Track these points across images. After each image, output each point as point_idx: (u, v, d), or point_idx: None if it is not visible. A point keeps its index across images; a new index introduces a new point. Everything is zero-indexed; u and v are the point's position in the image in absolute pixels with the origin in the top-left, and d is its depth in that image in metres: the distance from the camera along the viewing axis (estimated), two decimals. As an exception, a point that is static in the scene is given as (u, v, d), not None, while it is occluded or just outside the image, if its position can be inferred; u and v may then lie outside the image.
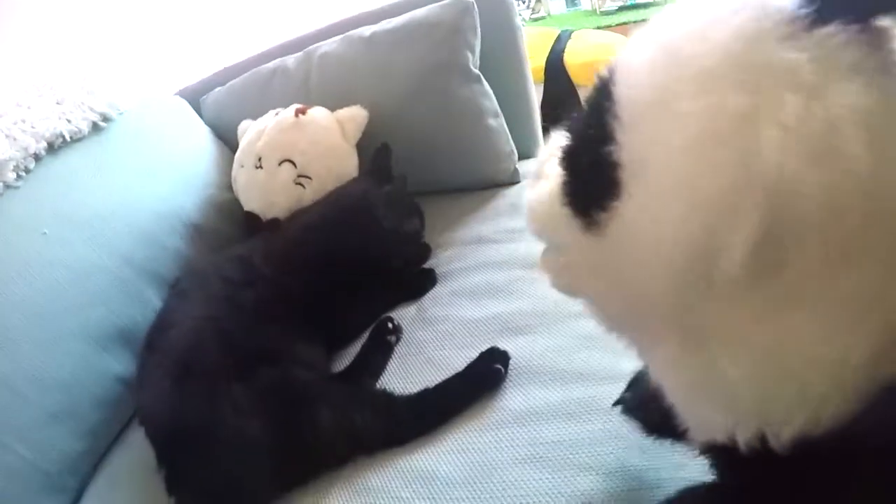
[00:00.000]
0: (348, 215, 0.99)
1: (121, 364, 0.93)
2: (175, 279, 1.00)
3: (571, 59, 2.04)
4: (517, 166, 1.20)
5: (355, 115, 1.13)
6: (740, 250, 0.25)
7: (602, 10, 2.53)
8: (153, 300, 1.01)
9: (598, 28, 2.34)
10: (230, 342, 0.78)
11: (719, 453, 0.36)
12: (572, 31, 2.14)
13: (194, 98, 1.44)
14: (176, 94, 1.44)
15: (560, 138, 0.37)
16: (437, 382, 0.75)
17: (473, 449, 0.66)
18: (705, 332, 0.30)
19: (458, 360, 0.78)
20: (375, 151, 1.09)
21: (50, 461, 0.82)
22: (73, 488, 0.85)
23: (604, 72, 0.33)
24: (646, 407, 0.54)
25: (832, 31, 0.25)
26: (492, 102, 1.16)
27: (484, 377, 0.73)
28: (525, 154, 1.22)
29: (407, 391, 0.76)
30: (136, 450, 0.81)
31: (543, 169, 0.40)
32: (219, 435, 0.69)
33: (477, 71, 1.14)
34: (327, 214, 1.01)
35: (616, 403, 0.60)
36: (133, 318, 0.97)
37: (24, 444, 0.80)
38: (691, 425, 0.35)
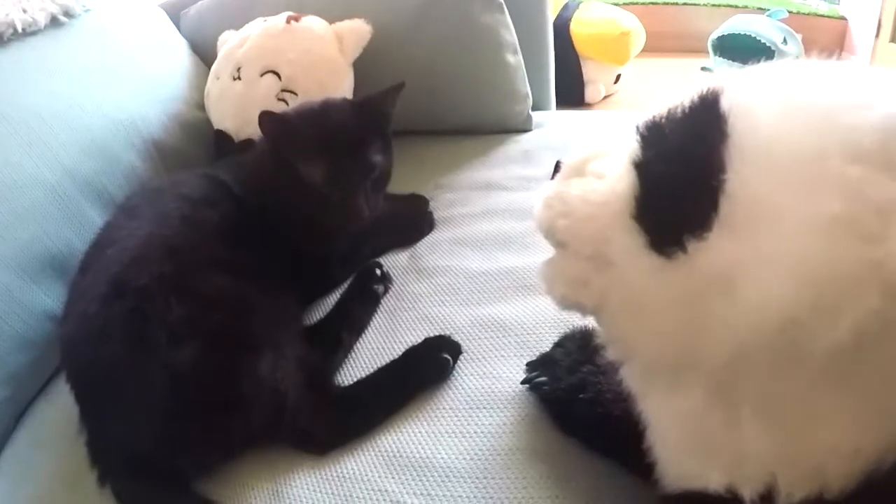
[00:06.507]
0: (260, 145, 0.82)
1: (51, 298, 0.80)
2: (125, 197, 0.86)
3: (578, 28, 2.07)
4: (531, 113, 1.11)
5: (356, 29, 1.02)
6: (836, 335, 0.26)
7: (610, -13, 2.59)
8: (96, 221, 0.86)
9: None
10: (179, 255, 0.64)
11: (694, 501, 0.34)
12: (580, 2, 2.15)
13: (175, 13, 1.32)
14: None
15: (611, 138, 0.37)
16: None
17: (477, 433, 0.56)
18: (741, 395, 0.30)
19: (460, 317, 0.68)
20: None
21: (-41, 411, 0.72)
22: None
23: (708, 93, 0.33)
24: (567, 401, 0.51)
25: None
26: (512, 36, 1.08)
27: (425, 368, 0.63)
28: (536, 104, 1.13)
29: (395, 351, 0.67)
30: (65, 403, 0.68)
31: (589, 166, 0.39)
32: (147, 372, 0.56)
33: (500, -1, 1.05)
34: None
35: (526, 383, 0.55)
36: (70, 241, 0.83)
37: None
38: (673, 471, 0.34)
